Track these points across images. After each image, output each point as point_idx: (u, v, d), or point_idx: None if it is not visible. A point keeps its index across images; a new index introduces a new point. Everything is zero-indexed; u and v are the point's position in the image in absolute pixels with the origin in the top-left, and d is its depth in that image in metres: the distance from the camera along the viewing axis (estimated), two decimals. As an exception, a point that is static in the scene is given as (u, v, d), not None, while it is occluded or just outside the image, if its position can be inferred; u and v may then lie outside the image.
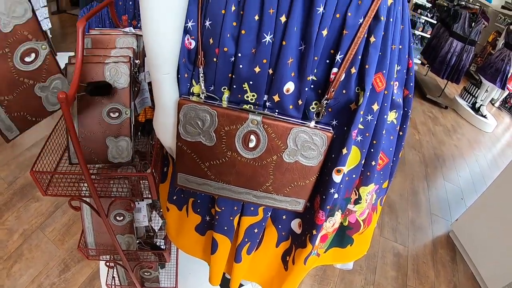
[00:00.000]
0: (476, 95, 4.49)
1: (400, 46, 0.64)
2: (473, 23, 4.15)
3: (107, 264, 1.18)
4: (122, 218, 1.00)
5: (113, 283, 1.33)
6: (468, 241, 2.18)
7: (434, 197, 2.66)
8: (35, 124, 0.73)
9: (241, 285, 1.36)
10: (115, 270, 1.33)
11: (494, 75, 4.01)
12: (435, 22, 5.24)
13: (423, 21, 5.60)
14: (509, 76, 3.97)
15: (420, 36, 5.94)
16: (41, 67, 0.67)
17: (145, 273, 1.25)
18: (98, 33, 0.91)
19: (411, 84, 0.70)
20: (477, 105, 4.44)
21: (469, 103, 4.61)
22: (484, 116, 4.37)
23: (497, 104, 5.49)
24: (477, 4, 4.63)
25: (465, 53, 4.24)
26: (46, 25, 3.21)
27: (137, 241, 1.06)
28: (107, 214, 0.86)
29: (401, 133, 0.74)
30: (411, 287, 1.87)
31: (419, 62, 6.01)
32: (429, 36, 5.27)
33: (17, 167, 2.09)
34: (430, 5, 5.57)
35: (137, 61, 0.86)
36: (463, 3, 4.54)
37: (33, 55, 0.65)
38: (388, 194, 2.46)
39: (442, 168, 3.10)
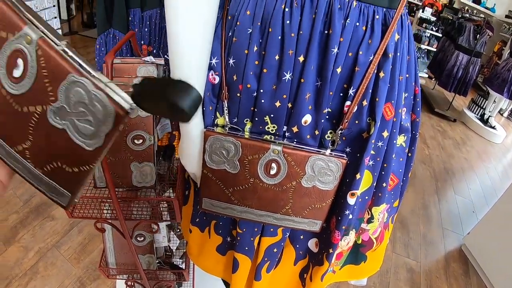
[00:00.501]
0: (484, 107, 4.50)
1: (407, 75, 0.68)
2: (478, 35, 4.19)
3: (127, 283, 1.21)
4: (143, 238, 1.04)
5: (130, 302, 1.36)
6: (480, 254, 2.17)
7: (445, 211, 2.66)
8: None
9: None
10: (133, 289, 1.36)
11: (501, 86, 4.03)
12: (440, 35, 5.29)
13: (429, 34, 5.66)
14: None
15: (426, 50, 5.99)
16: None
17: (164, 292, 1.28)
18: (120, 62, 0.96)
19: (418, 108, 0.74)
20: (486, 117, 4.45)
21: (477, 114, 4.61)
22: (493, 127, 4.37)
23: (505, 114, 5.48)
24: (481, 15, 4.68)
25: (471, 65, 4.27)
26: (60, 47, 3.31)
27: (157, 261, 1.10)
28: (131, 236, 0.89)
29: (409, 154, 0.78)
30: (425, 303, 1.88)
31: (426, 76, 6.04)
32: (435, 49, 5.30)
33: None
34: (435, 18, 5.63)
35: (158, 90, 0.91)
36: (467, 15, 4.60)
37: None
38: (399, 210, 2.47)
39: (452, 181, 3.10)
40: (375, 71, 0.60)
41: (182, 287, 1.45)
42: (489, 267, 2.08)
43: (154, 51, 1.57)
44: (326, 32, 0.57)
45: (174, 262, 1.21)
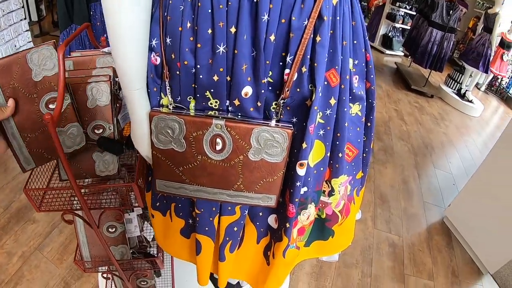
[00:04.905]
0: (460, 81, 4.56)
1: (355, 41, 0.68)
2: (451, 11, 4.23)
3: (103, 275, 1.21)
4: (114, 229, 1.04)
5: (112, 296, 1.36)
6: (462, 225, 2.21)
7: (426, 185, 2.70)
8: (50, 161, 0.81)
9: (229, 284, 1.38)
10: (112, 282, 1.36)
11: (476, 60, 4.09)
12: (414, 13, 5.33)
13: (403, 13, 5.70)
14: (491, 59, 4.04)
15: (401, 29, 6.04)
16: (61, 114, 0.74)
17: (142, 283, 1.28)
18: (79, 55, 0.95)
19: (372, 76, 0.74)
20: (462, 91, 4.51)
21: (454, 89, 4.68)
22: (470, 101, 4.44)
23: (483, 88, 5.57)
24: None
25: (446, 41, 4.32)
26: (30, 48, 3.24)
27: (131, 251, 1.10)
28: (98, 225, 0.89)
29: (369, 124, 0.78)
30: (409, 276, 1.89)
31: (402, 54, 6.09)
32: (409, 27, 5.35)
33: (12, 191, 2.12)
34: (408, -3, 5.66)
35: (117, 79, 0.90)
36: (440, -8, 4.61)
37: (56, 103, 0.71)
38: (378, 186, 2.52)
39: (431, 156, 3.15)
40: (311, 35, 0.60)
41: (161, 276, 1.45)
42: (472, 237, 2.11)
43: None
44: (254, 0, 0.57)
45: (150, 252, 1.21)
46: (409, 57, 5.19)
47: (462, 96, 4.48)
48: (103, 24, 1.56)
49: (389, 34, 6.15)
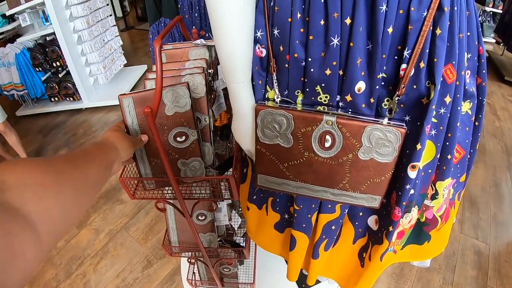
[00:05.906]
0: (561, 74, 3.99)
1: (468, 33, 0.62)
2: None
3: (189, 260, 1.27)
4: (204, 217, 1.07)
5: (193, 278, 1.43)
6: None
7: (519, 189, 2.43)
8: (167, 186, 0.90)
9: (317, 281, 1.38)
10: (195, 266, 1.42)
11: None
12: (507, -5, 4.78)
13: (493, -5, 5.15)
14: None
15: (491, 13, 5.46)
16: (187, 148, 0.81)
17: (225, 269, 1.32)
18: (172, 48, 0.98)
19: (484, 71, 0.68)
20: None
21: (554, 83, 4.11)
22: None
23: None
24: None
25: (545, 28, 3.80)
26: (117, 42, 3.49)
27: (218, 239, 1.13)
28: (191, 214, 0.93)
29: (476, 123, 0.71)
30: (492, 288, 1.73)
31: (494, 41, 5.51)
32: (501, 11, 4.81)
33: (103, 172, 2.31)
34: (500, -23, 5.09)
35: (210, 71, 0.92)
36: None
37: (184, 137, 0.79)
38: (468, 188, 2.32)
39: (527, 157, 2.82)
40: (431, 28, 0.55)
41: (243, 264, 1.49)
42: None
43: (207, 35, 1.60)
44: None
45: (236, 241, 1.24)
46: (502, 44, 4.66)
47: None
48: (191, 16, 1.61)
49: (479, 19, 5.60)
